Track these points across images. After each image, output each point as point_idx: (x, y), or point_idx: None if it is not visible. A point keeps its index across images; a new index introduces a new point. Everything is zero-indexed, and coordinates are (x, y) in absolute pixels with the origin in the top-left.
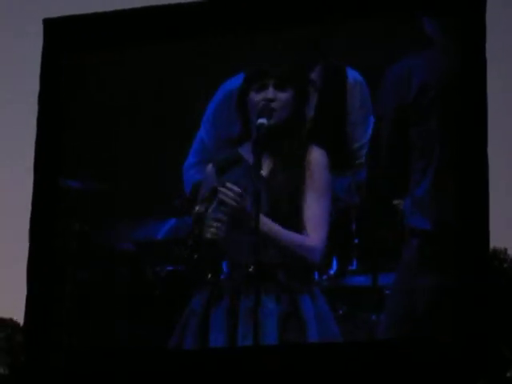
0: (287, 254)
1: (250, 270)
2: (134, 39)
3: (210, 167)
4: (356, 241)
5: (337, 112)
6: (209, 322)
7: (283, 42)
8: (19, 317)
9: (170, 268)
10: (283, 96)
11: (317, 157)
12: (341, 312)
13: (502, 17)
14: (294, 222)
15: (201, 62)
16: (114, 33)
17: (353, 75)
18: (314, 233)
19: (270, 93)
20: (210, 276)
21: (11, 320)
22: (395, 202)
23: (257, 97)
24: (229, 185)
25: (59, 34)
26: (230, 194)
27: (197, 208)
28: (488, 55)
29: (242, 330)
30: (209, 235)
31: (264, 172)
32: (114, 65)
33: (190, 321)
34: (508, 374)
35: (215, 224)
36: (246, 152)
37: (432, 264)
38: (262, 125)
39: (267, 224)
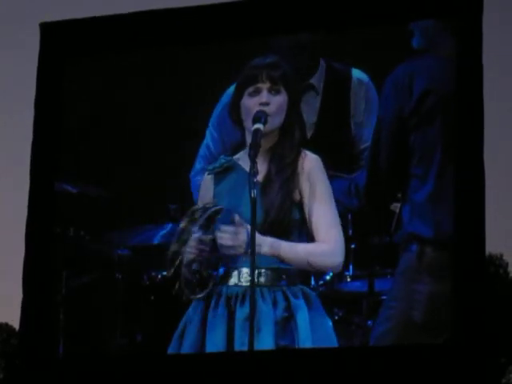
0: (305, 266)
1: (246, 275)
2: (132, 43)
3: (206, 176)
4: (352, 246)
5: (340, 114)
6: (205, 330)
7: (282, 47)
8: (15, 321)
9: (165, 273)
10: (277, 100)
11: (311, 161)
12: (336, 317)
13: (500, 20)
14: (294, 229)
15: (204, 66)
16: (112, 37)
17: (357, 75)
18: (327, 238)
19: (264, 97)
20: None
21: (6, 324)
22: (392, 206)
23: (250, 101)
24: (223, 227)
25: (56, 37)
26: (227, 235)
27: (181, 224)
28: (486, 58)
29: (238, 337)
30: (190, 256)
31: (259, 178)
32: (113, 69)
33: (187, 329)
34: (504, 381)
35: (200, 246)
36: (241, 159)
37: (430, 270)
38: (258, 130)
39: (278, 246)
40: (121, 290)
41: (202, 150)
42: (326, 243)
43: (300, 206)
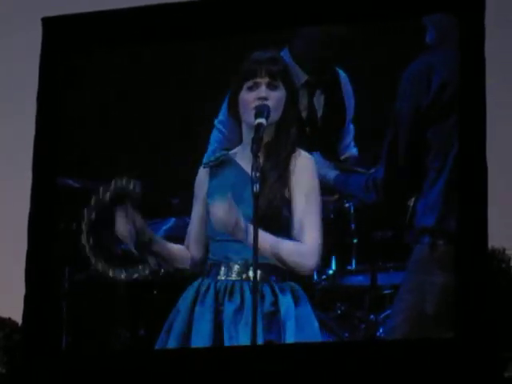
0: (283, 261)
1: (236, 269)
2: (135, 37)
3: (201, 169)
4: (355, 240)
5: (339, 111)
6: (192, 321)
7: (282, 42)
8: (17, 316)
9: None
10: (275, 95)
11: (304, 161)
12: (339, 312)
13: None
14: (284, 226)
15: (211, 61)
16: (114, 31)
17: (342, 73)
18: (307, 238)
19: (262, 92)
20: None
21: (9, 319)
22: (410, 201)
23: (249, 96)
24: (217, 203)
25: (58, 32)
26: (220, 212)
27: None
28: (488, 53)
29: (227, 330)
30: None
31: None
32: (115, 63)
33: (175, 321)
34: (506, 375)
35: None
36: (238, 154)
37: (442, 262)
38: (261, 124)
39: (264, 239)
40: (123, 284)
41: (215, 134)
42: (304, 244)
43: (289, 204)
